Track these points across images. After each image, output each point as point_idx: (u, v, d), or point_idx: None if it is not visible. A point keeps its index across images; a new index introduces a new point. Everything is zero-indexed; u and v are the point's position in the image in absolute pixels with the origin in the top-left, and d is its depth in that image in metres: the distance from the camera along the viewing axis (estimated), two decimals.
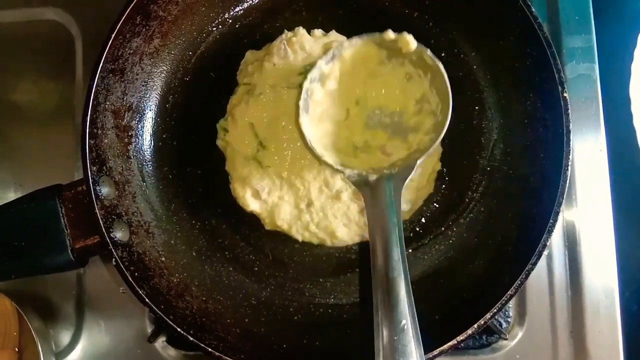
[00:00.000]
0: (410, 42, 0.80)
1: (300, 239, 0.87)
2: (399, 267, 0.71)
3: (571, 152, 0.76)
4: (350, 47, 0.83)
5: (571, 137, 0.76)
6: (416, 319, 0.69)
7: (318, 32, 0.90)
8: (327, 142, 0.85)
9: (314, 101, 0.84)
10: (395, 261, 0.71)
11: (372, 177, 0.80)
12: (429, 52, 0.80)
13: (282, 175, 0.85)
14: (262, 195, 0.85)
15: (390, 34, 0.81)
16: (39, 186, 0.83)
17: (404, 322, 0.67)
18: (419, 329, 0.68)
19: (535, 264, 0.74)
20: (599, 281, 0.93)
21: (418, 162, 0.80)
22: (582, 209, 0.95)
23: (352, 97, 0.86)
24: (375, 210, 0.77)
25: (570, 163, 0.75)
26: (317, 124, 0.84)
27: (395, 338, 0.67)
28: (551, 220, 0.74)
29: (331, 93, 0.85)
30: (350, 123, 0.86)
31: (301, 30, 0.89)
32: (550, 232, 0.74)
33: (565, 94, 0.76)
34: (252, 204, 0.85)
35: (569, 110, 0.76)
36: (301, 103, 0.82)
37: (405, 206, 0.87)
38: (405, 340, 0.67)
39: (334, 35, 0.90)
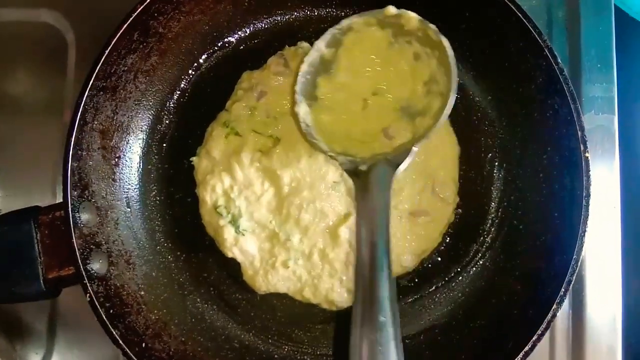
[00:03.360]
0: (412, 17, 0.75)
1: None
2: (382, 261, 0.66)
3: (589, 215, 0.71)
4: (352, 32, 0.78)
5: (590, 202, 0.70)
6: (398, 319, 0.64)
7: None
8: (337, 132, 0.79)
9: (323, 91, 0.80)
10: (380, 253, 0.66)
11: (365, 165, 0.73)
12: (432, 27, 0.74)
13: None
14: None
15: (391, 10, 0.75)
16: (16, 198, 0.77)
17: (383, 319, 0.63)
18: (399, 330, 0.64)
19: (542, 334, 0.69)
20: (604, 342, 0.88)
21: (415, 148, 0.72)
22: (590, 266, 0.90)
23: (369, 87, 0.80)
24: (365, 198, 0.71)
25: (587, 229, 0.70)
26: (326, 112, 0.79)
27: (373, 337, 0.62)
28: (562, 290, 0.69)
29: (344, 83, 0.80)
30: (368, 113, 0.80)
31: (304, 44, 0.85)
32: (561, 302, 0.69)
33: (587, 154, 0.71)
34: (232, 252, 0.81)
35: (590, 172, 0.71)
36: (298, 88, 0.78)
37: (411, 259, 0.82)
38: (384, 340, 0.62)
39: None
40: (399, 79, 0.79)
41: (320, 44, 0.78)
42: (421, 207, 0.82)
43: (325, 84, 0.80)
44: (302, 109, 0.78)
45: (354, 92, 0.80)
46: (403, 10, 0.75)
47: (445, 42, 0.73)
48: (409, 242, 0.82)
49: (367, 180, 0.72)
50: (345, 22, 0.77)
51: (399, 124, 0.78)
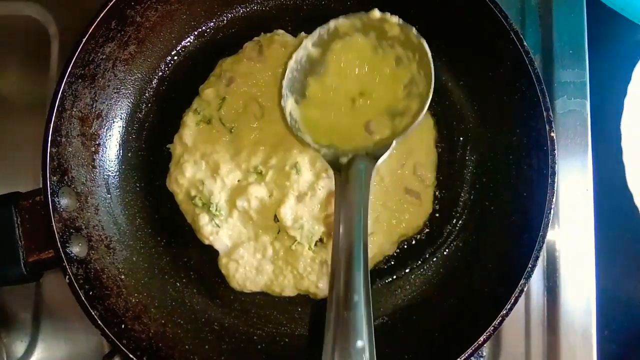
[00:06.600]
0: (393, 24, 0.78)
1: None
2: (359, 244, 0.69)
3: (555, 193, 0.72)
4: (339, 39, 0.80)
5: (556, 180, 0.72)
6: (370, 297, 0.67)
7: (304, 35, 0.86)
8: (323, 126, 0.81)
9: (313, 90, 0.82)
10: (357, 247, 0.69)
11: (346, 156, 0.76)
12: (414, 30, 0.77)
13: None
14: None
15: (376, 13, 0.78)
16: None
17: (356, 298, 0.66)
18: (371, 307, 0.66)
19: (511, 309, 0.70)
20: (578, 324, 0.90)
21: (394, 142, 0.76)
22: (564, 248, 0.92)
23: (355, 89, 0.82)
24: (344, 191, 0.74)
25: (553, 207, 0.71)
26: (315, 109, 0.81)
27: (346, 313, 0.65)
28: (530, 266, 0.70)
29: (332, 85, 0.82)
30: (353, 111, 0.82)
31: (280, 31, 0.86)
32: (528, 277, 0.70)
33: (552, 134, 0.72)
34: (210, 240, 0.83)
35: (556, 151, 0.72)
36: (285, 83, 0.79)
37: (390, 247, 0.84)
38: (357, 317, 0.65)
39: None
40: (382, 83, 0.81)
41: (308, 43, 0.80)
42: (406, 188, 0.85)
43: (314, 84, 0.82)
44: (289, 104, 0.80)
45: (341, 93, 0.82)
46: (386, 15, 0.78)
47: (425, 44, 0.76)
48: (394, 227, 0.84)
49: (348, 173, 0.75)
50: (332, 23, 0.80)
51: (379, 121, 0.80)
